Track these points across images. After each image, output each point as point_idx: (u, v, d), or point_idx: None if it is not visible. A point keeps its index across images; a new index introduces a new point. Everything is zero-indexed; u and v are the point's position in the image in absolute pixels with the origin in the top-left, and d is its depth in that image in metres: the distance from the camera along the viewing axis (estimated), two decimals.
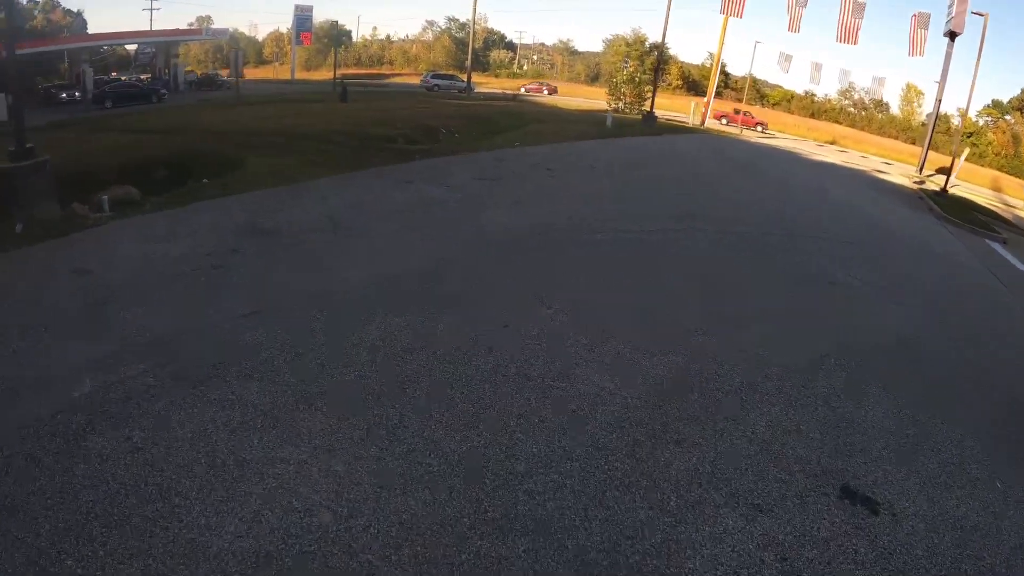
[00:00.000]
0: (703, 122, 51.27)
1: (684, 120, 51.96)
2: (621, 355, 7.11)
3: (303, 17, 73.88)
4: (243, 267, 8.94)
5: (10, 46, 12.28)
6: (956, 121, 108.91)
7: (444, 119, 28.59)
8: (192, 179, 16.39)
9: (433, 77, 69.91)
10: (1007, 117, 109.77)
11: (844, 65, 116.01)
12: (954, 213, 26.08)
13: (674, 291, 9.70)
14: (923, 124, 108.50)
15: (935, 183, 49.51)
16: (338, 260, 9.39)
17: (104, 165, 17.09)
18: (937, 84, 55.41)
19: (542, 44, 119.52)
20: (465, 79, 66.35)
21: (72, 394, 5.42)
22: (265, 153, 17.62)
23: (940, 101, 58.22)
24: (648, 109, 38.63)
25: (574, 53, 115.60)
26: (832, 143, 77.83)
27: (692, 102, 57.16)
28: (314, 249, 9.78)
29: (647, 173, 19.05)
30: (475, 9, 65.30)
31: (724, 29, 50.15)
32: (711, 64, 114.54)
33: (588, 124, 32.89)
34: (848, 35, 50.27)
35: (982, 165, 74.24)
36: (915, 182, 46.42)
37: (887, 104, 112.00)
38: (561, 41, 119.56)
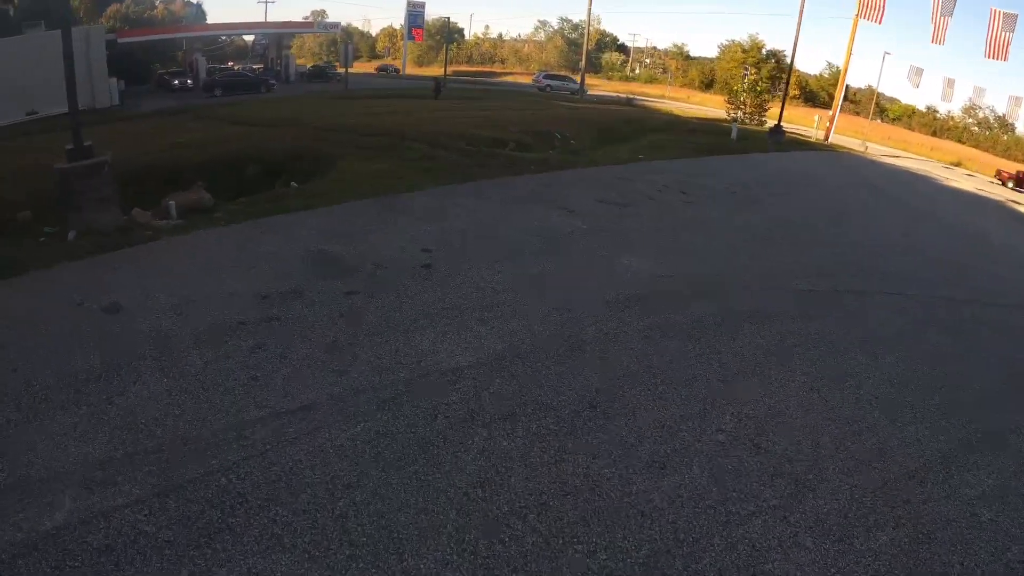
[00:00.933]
0: (827, 137, 47.23)
1: (807, 134, 48.24)
2: None
3: (415, 13, 72.55)
4: (300, 324, 6.57)
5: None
6: None
7: (558, 123, 26.07)
8: (281, 181, 14.51)
9: (546, 77, 66.94)
10: None
11: (977, 82, 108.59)
12: None
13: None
14: None
15: None
16: (426, 325, 6.71)
17: (188, 161, 15.37)
18: None
19: (654, 48, 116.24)
20: (578, 80, 63.56)
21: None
22: (364, 154, 15.51)
23: None
24: (777, 121, 35.10)
25: (688, 58, 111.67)
26: (958, 165, 72.65)
27: (816, 115, 53.21)
28: (396, 302, 7.20)
29: (795, 204, 15.69)
30: (590, 9, 62.19)
31: (852, 36, 45.79)
32: (829, 74, 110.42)
33: (711, 135, 29.73)
34: (998, 51, 45.78)
35: None
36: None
37: (1013, 125, 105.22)
38: (675, 45, 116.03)
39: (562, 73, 74.36)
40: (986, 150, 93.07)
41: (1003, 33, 45.65)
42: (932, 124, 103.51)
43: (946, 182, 37.87)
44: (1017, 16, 45.16)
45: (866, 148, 50.04)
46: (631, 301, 7.86)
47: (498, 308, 7.23)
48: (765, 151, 25.95)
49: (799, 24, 33.86)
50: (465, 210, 11.05)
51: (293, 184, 13.42)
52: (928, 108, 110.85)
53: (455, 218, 10.54)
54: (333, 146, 16.43)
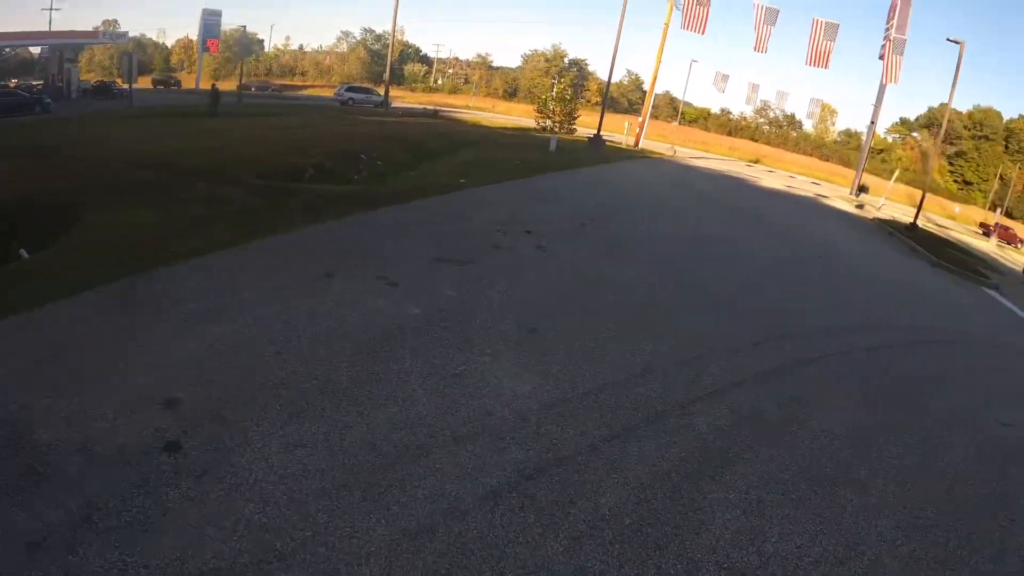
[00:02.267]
0: (638, 143, 47.06)
1: (619, 140, 47.79)
2: None
3: (210, 22, 65.56)
4: None
5: None
6: (864, 137, 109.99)
7: (364, 141, 23.06)
8: (11, 245, 10.73)
9: (348, 90, 62.15)
10: (915, 134, 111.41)
11: (780, 86, 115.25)
12: (940, 255, 24.06)
13: None
14: (835, 141, 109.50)
15: (869, 203, 48.06)
16: None
17: None
18: (873, 107, 53.43)
19: (457, 58, 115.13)
20: (382, 93, 60.19)
21: None
22: (125, 198, 11.49)
23: (874, 124, 56.07)
24: (596, 131, 33.82)
25: (491, 68, 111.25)
26: (756, 162, 75.67)
27: (626, 122, 53.07)
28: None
29: (663, 238, 13.16)
30: (395, 19, 58.84)
31: (662, 45, 45.85)
32: (629, 81, 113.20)
33: (529, 149, 27.52)
34: (819, 59, 47.30)
35: (888, 180, 72.06)
36: (855, 206, 44.08)
37: (800, 122, 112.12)
38: (479, 55, 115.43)
39: (365, 85, 70.39)
40: (777, 146, 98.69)
41: (825, 42, 47.25)
42: (728, 124, 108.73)
43: (760, 183, 38.18)
44: (839, 26, 46.96)
45: (675, 152, 50.45)
46: (526, 492, 4.41)
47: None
48: (592, 164, 24.15)
49: (618, 38, 32.87)
50: (238, 300, 6.76)
51: (23, 253, 9.77)
52: (723, 110, 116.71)
53: (224, 320, 6.27)
54: (88, 187, 12.60)
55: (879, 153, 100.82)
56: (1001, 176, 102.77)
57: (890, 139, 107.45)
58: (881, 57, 48.93)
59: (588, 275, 9.10)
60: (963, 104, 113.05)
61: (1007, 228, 58.03)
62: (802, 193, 40.51)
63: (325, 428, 4.74)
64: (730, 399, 6.11)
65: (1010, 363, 11.33)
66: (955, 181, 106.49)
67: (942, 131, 41.35)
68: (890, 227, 31.27)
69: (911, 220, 33.85)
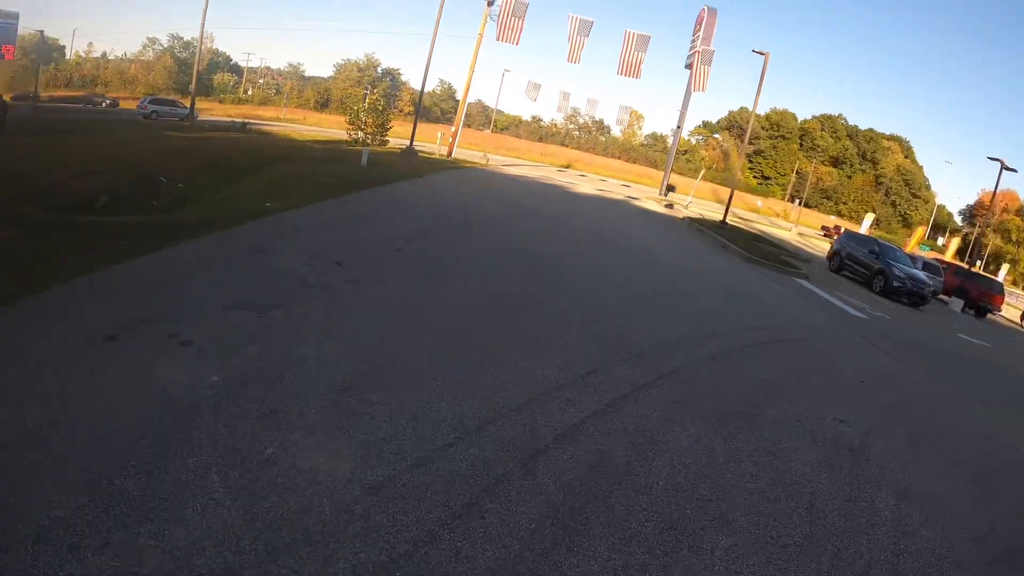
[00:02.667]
0: (451, 152, 46.73)
1: (431, 150, 47.28)
2: None
3: (5, 26, 57.92)
4: None
5: None
6: (671, 140, 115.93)
7: (166, 160, 21.00)
8: None
9: (152, 103, 58.43)
10: (716, 136, 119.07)
11: (591, 94, 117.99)
12: (750, 249, 25.24)
13: None
14: (642, 144, 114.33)
15: (677, 202, 50.36)
16: None
17: None
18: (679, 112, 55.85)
19: (268, 67, 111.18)
20: (188, 105, 56.57)
21: None
22: None
23: (680, 128, 58.58)
24: (409, 143, 32.87)
25: (303, 78, 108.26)
26: (568, 167, 77.40)
27: (439, 132, 52.69)
28: None
29: (468, 251, 12.25)
30: (203, 24, 55.28)
31: (476, 55, 45.73)
32: (441, 90, 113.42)
33: (340, 163, 26.01)
34: (630, 69, 48.57)
35: (693, 179, 76.00)
36: (665, 205, 45.90)
37: (608, 127, 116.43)
38: (290, 65, 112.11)
39: (171, 97, 66.09)
40: (587, 151, 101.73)
41: (636, 53, 48.61)
42: (539, 131, 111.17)
43: (576, 189, 38.65)
44: (650, 38, 48.49)
45: (488, 160, 50.50)
46: None
47: None
48: (404, 179, 23.07)
49: (432, 47, 32.28)
50: None
51: None
52: (534, 117, 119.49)
53: None
54: None
55: (684, 154, 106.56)
56: (797, 171, 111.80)
57: (694, 140, 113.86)
58: (688, 66, 51.41)
59: (406, 310, 7.89)
60: (761, 108, 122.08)
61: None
62: (615, 197, 41.56)
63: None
64: (574, 447, 5.42)
65: (834, 356, 11.60)
66: (755, 177, 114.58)
67: (747, 135, 43.20)
68: (701, 225, 32.37)
69: (720, 217, 35.30)
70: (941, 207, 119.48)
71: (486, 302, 8.93)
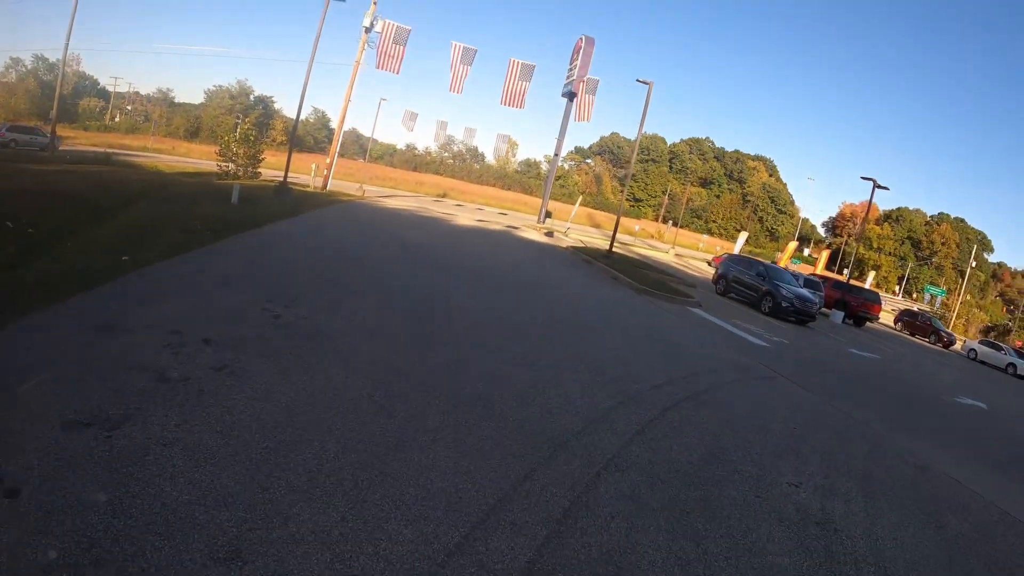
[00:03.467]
0: (326, 184, 44.90)
1: (306, 182, 45.35)
2: None
3: None
4: None
5: None
6: (545, 166, 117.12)
7: (16, 199, 18.51)
8: None
9: (10, 130, 51.85)
10: (589, 161, 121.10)
11: (469, 123, 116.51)
12: (640, 279, 24.74)
13: None
14: (516, 171, 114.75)
15: (556, 229, 50.16)
16: None
17: None
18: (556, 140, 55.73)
19: (138, 93, 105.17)
20: (49, 133, 51.60)
21: None
22: None
23: (559, 156, 58.53)
24: (283, 178, 30.77)
25: (173, 104, 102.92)
26: (444, 196, 76.48)
27: (313, 164, 50.61)
28: None
29: (356, 311, 10.34)
30: (67, 44, 50.10)
31: (352, 84, 44.01)
32: (315, 119, 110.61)
33: (209, 201, 23.23)
34: (514, 99, 47.97)
35: (568, 204, 76.41)
36: (545, 233, 45.50)
37: (482, 155, 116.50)
38: (160, 90, 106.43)
39: (31, 124, 60.29)
40: (461, 179, 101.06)
41: (520, 83, 48.08)
42: (413, 160, 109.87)
43: (457, 221, 37.62)
44: (535, 67, 48.13)
45: (364, 192, 48.93)
46: None
47: None
48: (279, 218, 20.77)
49: (307, 76, 30.53)
50: None
51: None
52: (408, 146, 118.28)
53: None
54: None
55: (557, 179, 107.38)
56: (667, 192, 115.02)
57: (567, 166, 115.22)
58: (567, 95, 51.40)
59: (287, 412, 5.85)
60: (631, 133, 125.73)
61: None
62: (495, 228, 40.70)
63: None
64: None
65: (758, 401, 10.97)
66: (627, 199, 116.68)
67: (632, 162, 43.21)
68: (586, 254, 31.86)
69: (600, 244, 34.97)
70: (805, 220, 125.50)
71: (379, 384, 7.04)
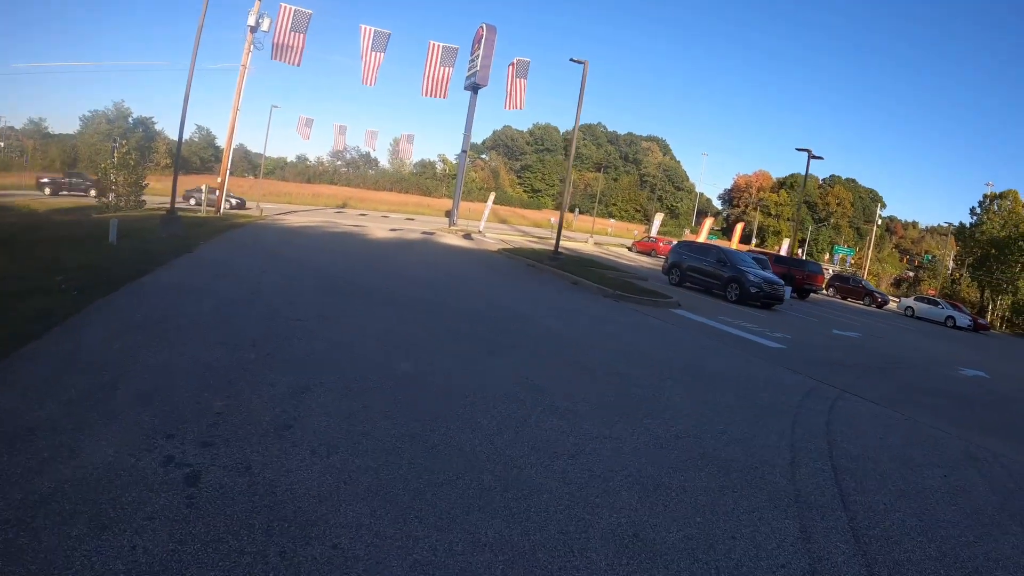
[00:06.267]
0: (219, 207, 39.67)
1: (196, 208, 40.06)
2: None
3: None
4: None
5: None
6: (440, 166, 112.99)
7: None
8: None
9: None
10: (483, 156, 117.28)
11: (368, 126, 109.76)
12: (605, 282, 21.54)
13: None
14: (413, 173, 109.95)
15: (470, 230, 46.66)
16: None
17: None
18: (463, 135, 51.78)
19: (12, 127, 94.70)
20: None
21: None
22: None
23: (467, 152, 54.55)
24: (169, 207, 25.19)
25: (47, 136, 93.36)
26: (344, 206, 71.98)
27: (203, 185, 45.14)
28: None
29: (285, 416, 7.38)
30: None
31: (240, 90, 38.64)
32: (200, 138, 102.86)
33: (79, 245, 17.96)
34: (435, 89, 43.60)
35: (474, 201, 73.03)
36: (463, 236, 41.91)
37: (376, 159, 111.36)
38: (31, 121, 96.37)
39: None
40: (356, 186, 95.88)
41: (442, 68, 43.56)
42: (306, 171, 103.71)
43: (375, 235, 33.41)
44: (458, 49, 44.21)
45: (261, 211, 44.58)
46: None
47: None
48: (169, 258, 15.92)
49: (188, 88, 25.48)
50: None
51: None
52: (299, 157, 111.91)
53: None
54: None
55: (453, 178, 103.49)
56: (563, 180, 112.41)
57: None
58: (468, 87, 47.17)
59: None
60: (522, 124, 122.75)
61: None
62: (413, 236, 36.74)
63: None
64: None
65: (846, 446, 7.58)
66: (525, 191, 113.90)
67: (571, 152, 39.77)
68: (525, 257, 28.37)
69: (529, 244, 31.63)
70: (700, 195, 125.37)
71: None
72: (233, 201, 50.43)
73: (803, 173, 44.72)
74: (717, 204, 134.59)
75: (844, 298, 49.90)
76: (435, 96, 43.99)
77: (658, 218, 70.38)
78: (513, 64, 44.16)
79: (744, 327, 17.39)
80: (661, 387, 9.04)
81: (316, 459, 5.13)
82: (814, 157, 40.96)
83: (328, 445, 5.41)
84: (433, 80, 43.70)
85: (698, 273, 26.50)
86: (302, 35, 38.70)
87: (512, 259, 28.67)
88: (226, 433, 5.40)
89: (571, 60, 29.55)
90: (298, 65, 39.36)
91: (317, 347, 8.61)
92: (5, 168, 77.63)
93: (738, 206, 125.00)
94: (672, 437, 6.90)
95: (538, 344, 11.21)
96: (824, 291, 49.24)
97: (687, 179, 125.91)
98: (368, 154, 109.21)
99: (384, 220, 52.53)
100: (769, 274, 26.17)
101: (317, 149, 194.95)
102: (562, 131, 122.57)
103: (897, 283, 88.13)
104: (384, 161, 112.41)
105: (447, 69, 43.61)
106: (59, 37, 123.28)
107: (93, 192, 38.39)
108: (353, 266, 19.73)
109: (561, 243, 30.37)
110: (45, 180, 53.02)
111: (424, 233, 40.63)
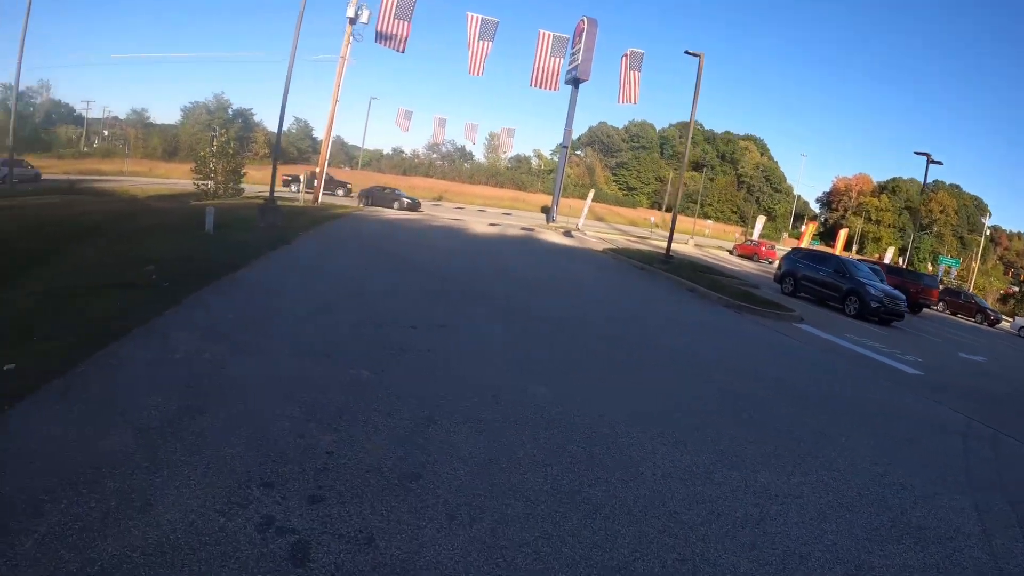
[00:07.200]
0: (317, 198, 39.06)
1: (294, 198, 39.72)
2: None
3: None
4: None
5: None
6: (535, 161, 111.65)
7: None
8: None
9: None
10: (579, 152, 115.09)
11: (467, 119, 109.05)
12: (720, 289, 20.12)
13: None
14: (508, 168, 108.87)
15: (569, 227, 45.35)
16: None
17: None
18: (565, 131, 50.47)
19: (116, 117, 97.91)
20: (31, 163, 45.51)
21: None
22: None
23: (568, 148, 53.27)
24: (269, 195, 24.46)
25: (149, 125, 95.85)
26: (440, 199, 71.50)
27: (301, 175, 44.99)
28: None
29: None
30: (20, 63, 43.01)
31: (339, 81, 38.07)
32: (297, 129, 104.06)
33: (175, 232, 16.99)
34: (547, 79, 42.58)
35: (571, 198, 71.19)
36: (564, 233, 40.70)
37: (471, 153, 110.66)
38: (134, 111, 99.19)
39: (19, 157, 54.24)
40: (452, 180, 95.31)
41: (552, 59, 42.97)
42: (402, 164, 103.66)
43: (508, 234, 32.54)
44: (568, 39, 44.18)
45: (360, 205, 44.13)
46: None
47: None
48: (264, 252, 14.41)
49: (288, 79, 24.81)
50: None
51: None
52: (395, 150, 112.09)
53: None
54: None
55: (549, 174, 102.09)
56: (659, 178, 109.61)
57: (555, 159, 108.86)
58: (569, 82, 45.66)
59: None
60: (618, 120, 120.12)
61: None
62: (517, 233, 35.64)
63: None
64: None
65: None
66: (620, 188, 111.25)
67: (687, 151, 38.37)
68: (632, 258, 26.93)
69: (627, 243, 30.17)
70: (797, 197, 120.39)
71: None
72: (340, 192, 50.84)
73: (905, 177, 42.09)
74: (814, 207, 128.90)
75: (954, 314, 46.40)
76: (545, 88, 42.66)
77: (760, 221, 67.43)
78: (626, 55, 42.25)
79: (873, 347, 15.79)
80: (821, 427, 7.66)
81: (457, 527, 4.03)
82: (933, 162, 38.24)
83: (470, 506, 4.31)
84: (543, 71, 42.32)
85: (814, 283, 24.59)
86: (406, 23, 37.92)
87: (619, 260, 27.27)
88: (339, 483, 4.34)
89: (686, 53, 27.65)
90: (402, 52, 38.68)
91: (436, 364, 7.52)
92: (107, 155, 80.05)
93: (836, 210, 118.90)
94: (855, 496, 5.70)
95: (679, 366, 9.87)
96: (935, 306, 46.02)
97: (784, 180, 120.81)
98: (463, 147, 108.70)
99: (481, 215, 51.69)
100: (889, 288, 24.12)
101: (412, 142, 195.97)
102: (658, 128, 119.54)
103: (1003, 299, 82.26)
104: (479, 155, 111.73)
105: (557, 60, 42.19)
106: (158, 29, 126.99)
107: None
108: (460, 265, 18.66)
109: (658, 244, 28.84)
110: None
111: (524, 229, 39.53)
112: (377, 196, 46.34)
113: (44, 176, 51.41)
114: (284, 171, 53.01)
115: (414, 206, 46.34)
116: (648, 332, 12.54)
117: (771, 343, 13.72)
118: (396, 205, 45.42)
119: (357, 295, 11.36)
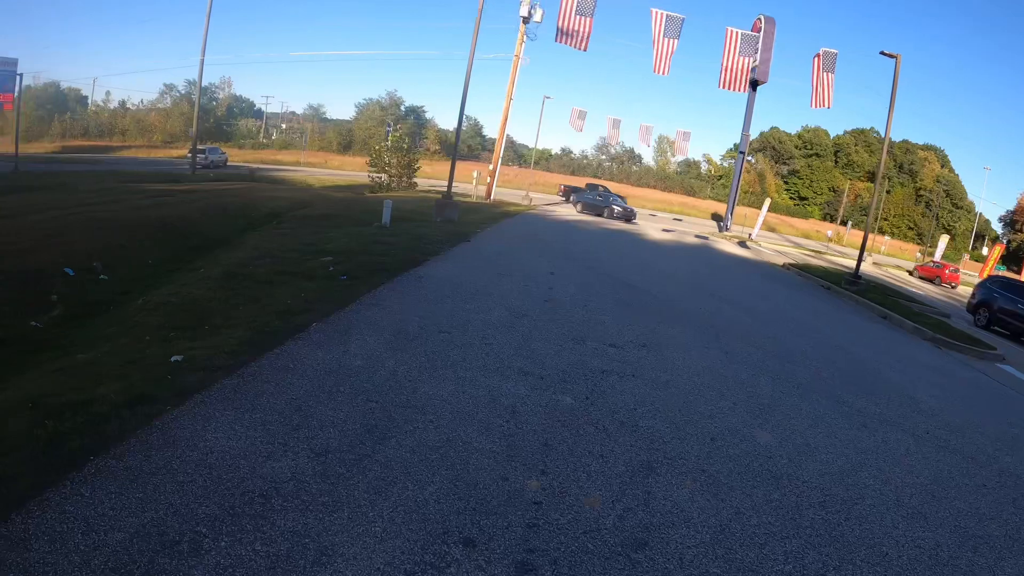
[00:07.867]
0: (489, 194, 38.81)
1: (468, 192, 39.74)
2: None
3: (3, 73, 44.92)
4: None
5: None
6: (704, 166, 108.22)
7: (115, 234, 14.38)
8: None
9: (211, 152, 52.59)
10: (750, 159, 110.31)
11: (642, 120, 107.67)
12: (913, 318, 18.01)
13: None
14: (677, 172, 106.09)
15: (742, 237, 43.10)
16: None
17: None
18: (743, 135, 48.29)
19: (293, 113, 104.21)
20: (224, 151, 49.27)
21: None
22: None
23: (745, 154, 51.02)
24: (447, 191, 24.31)
25: (325, 120, 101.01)
26: None
27: (474, 171, 45.09)
28: None
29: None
30: (203, 62, 44.31)
31: (513, 79, 37.78)
32: (468, 127, 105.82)
33: (352, 223, 18.17)
34: (735, 80, 40.82)
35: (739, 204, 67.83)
36: (739, 244, 38.67)
37: (639, 156, 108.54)
38: (310, 107, 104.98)
39: (212, 145, 58.93)
40: (620, 181, 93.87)
41: (740, 59, 40.92)
42: (570, 164, 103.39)
43: (682, 241, 31.30)
44: (759, 38, 41.88)
45: (531, 201, 43.84)
46: None
47: None
48: (444, 248, 14.46)
49: (467, 78, 24.60)
50: None
51: None
52: (563, 150, 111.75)
53: None
54: None
55: (719, 179, 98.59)
56: (833, 188, 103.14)
57: (726, 164, 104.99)
58: (722, 85, 42.32)
59: None
60: (791, 127, 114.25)
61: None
62: (690, 241, 33.97)
63: None
64: None
65: None
66: (791, 197, 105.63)
67: (883, 161, 35.84)
68: (816, 276, 24.94)
69: (802, 255, 27.85)
70: (979, 214, 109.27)
71: None
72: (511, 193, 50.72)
73: None
74: (996, 227, 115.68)
75: None
76: (732, 89, 40.15)
77: (943, 240, 61.58)
78: (819, 56, 39.10)
79: None
80: None
81: None
82: None
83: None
84: (731, 71, 39.91)
85: (1013, 318, 21.63)
86: (588, 19, 36.54)
87: (803, 278, 25.26)
88: (551, 546, 3.56)
89: (881, 53, 24.92)
90: (584, 50, 37.21)
91: (642, 394, 6.57)
92: (284, 147, 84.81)
93: (1021, 231, 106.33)
94: None
95: (905, 413, 8.16)
96: None
97: (965, 196, 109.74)
98: (632, 149, 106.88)
99: (652, 219, 50.17)
100: None
101: (581, 143, 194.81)
102: (832, 135, 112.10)
103: None
104: (648, 157, 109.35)
105: (746, 59, 39.68)
106: (334, 29, 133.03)
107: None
108: (644, 273, 17.37)
109: (836, 260, 26.48)
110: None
111: (698, 237, 37.86)
112: (588, 202, 42.48)
113: (235, 163, 55.17)
114: (457, 167, 53.52)
115: (627, 216, 40.61)
116: (867, 368, 10.91)
117: (983, 386, 11.77)
118: (606, 213, 40.31)
119: (547, 300, 10.49)
